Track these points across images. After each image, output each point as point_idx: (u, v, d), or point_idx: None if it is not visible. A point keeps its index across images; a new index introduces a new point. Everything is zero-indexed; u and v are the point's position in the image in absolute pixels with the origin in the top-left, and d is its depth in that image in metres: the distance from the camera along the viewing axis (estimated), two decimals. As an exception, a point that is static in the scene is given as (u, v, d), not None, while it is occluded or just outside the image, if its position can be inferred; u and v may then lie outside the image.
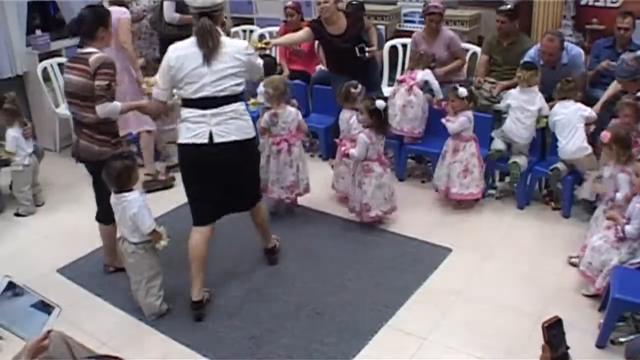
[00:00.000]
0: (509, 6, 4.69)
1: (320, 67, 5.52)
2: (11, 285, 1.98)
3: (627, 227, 2.96)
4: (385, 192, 3.95)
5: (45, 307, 1.97)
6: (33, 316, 1.94)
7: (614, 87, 4.08)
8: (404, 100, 4.52)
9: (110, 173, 3.03)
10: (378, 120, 3.79)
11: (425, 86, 4.55)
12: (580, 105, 3.95)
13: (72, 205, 4.59)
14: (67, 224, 4.29)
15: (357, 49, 4.50)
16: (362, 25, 4.68)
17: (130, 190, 3.07)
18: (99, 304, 3.36)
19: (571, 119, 3.89)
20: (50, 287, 3.49)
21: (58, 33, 5.70)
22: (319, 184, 4.71)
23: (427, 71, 4.57)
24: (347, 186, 4.15)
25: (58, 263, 3.75)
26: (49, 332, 1.90)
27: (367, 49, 4.56)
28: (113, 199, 3.12)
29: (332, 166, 4.62)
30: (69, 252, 3.85)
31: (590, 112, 3.93)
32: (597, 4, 5.16)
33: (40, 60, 5.39)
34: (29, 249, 4.00)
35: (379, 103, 3.75)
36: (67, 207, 4.57)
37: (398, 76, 5.44)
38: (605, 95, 4.13)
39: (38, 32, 5.53)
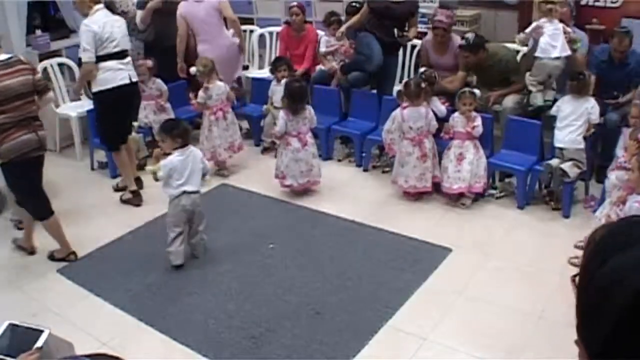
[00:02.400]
0: (469, 40, 4.48)
1: (321, 67, 5.52)
2: (11, 327, 2.03)
3: None
4: (302, 167, 4.38)
5: (35, 332, 2.00)
6: (23, 341, 1.98)
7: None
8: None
9: (185, 129, 3.65)
10: (288, 102, 4.34)
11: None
12: (593, 103, 3.95)
13: (71, 205, 4.58)
14: (67, 223, 4.28)
15: (396, 30, 4.91)
16: (414, 10, 4.97)
17: (188, 143, 3.61)
18: (99, 304, 3.36)
19: (576, 112, 3.94)
20: (50, 287, 3.52)
21: (58, 33, 5.71)
22: (319, 184, 4.72)
23: (434, 99, 4.40)
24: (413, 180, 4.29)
25: (58, 263, 3.75)
26: (38, 348, 1.92)
27: (405, 33, 4.92)
28: (181, 156, 3.53)
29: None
30: (69, 252, 3.85)
31: (596, 117, 3.94)
32: (597, 4, 5.14)
33: (40, 60, 5.38)
34: (29, 249, 4.00)
35: (284, 82, 4.49)
36: (67, 206, 4.56)
37: (398, 77, 5.44)
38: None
39: (38, 32, 5.52)
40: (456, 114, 4.24)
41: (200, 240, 3.74)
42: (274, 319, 3.15)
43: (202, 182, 3.71)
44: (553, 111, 4.10)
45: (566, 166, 3.90)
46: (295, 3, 5.59)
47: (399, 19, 4.92)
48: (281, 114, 4.40)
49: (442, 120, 4.35)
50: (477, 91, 4.25)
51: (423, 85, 4.24)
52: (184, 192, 3.54)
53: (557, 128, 4.02)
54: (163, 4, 5.20)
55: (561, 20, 4.36)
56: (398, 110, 4.35)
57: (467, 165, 4.15)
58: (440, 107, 4.42)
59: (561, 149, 3.99)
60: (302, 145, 4.36)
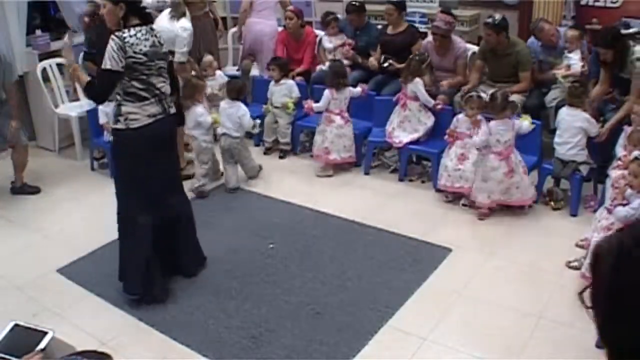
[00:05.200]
0: (495, 19, 4.56)
1: (321, 67, 5.52)
2: (15, 327, 2.04)
3: (620, 207, 2.98)
4: (345, 142, 4.75)
5: (39, 334, 2.01)
6: (27, 342, 2.00)
7: (624, 109, 3.98)
8: (401, 117, 4.62)
9: (235, 86, 4.70)
10: (333, 79, 4.76)
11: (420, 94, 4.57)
12: (586, 117, 3.94)
13: (71, 205, 4.59)
14: (67, 224, 4.29)
15: (383, 56, 5.14)
16: (413, 42, 5.05)
17: (238, 99, 4.63)
18: (99, 304, 3.36)
19: (573, 126, 3.95)
20: (50, 287, 3.52)
21: (58, 33, 5.70)
22: (319, 184, 4.72)
23: (416, 81, 4.53)
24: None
25: (58, 263, 3.75)
26: (41, 350, 1.93)
27: (390, 62, 5.05)
28: (225, 104, 4.63)
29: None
30: (69, 252, 3.85)
31: (594, 130, 3.94)
32: (597, 4, 5.15)
33: (40, 60, 5.39)
34: (29, 249, 4.00)
35: (328, 64, 4.94)
36: (67, 206, 4.57)
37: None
38: (614, 119, 4.03)
39: (38, 32, 5.52)
40: (461, 115, 4.25)
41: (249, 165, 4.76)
42: (274, 319, 3.15)
43: (240, 134, 4.63)
44: (556, 123, 4.10)
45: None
46: (290, 7, 5.60)
47: (398, 49, 5.05)
48: (326, 92, 4.75)
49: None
50: (484, 95, 4.24)
51: (511, 98, 4.11)
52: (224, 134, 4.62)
53: (556, 143, 4.05)
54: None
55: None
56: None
57: (470, 166, 4.14)
58: (423, 91, 4.51)
59: (564, 160, 4.01)
60: (344, 122, 4.73)
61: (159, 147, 3.24)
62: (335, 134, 4.71)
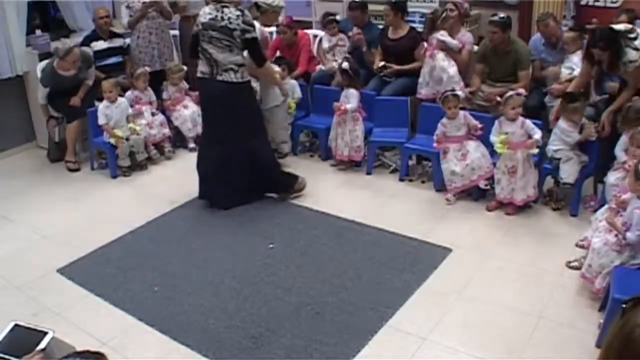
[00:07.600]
0: (501, 16, 4.60)
1: (321, 67, 5.52)
2: (15, 327, 2.06)
3: (628, 234, 2.94)
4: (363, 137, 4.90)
5: (39, 334, 2.02)
6: (27, 342, 2.01)
7: (619, 101, 3.91)
8: (428, 67, 4.81)
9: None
10: (349, 79, 4.78)
11: (445, 45, 4.77)
12: (565, 128, 3.91)
13: (71, 205, 4.59)
14: (67, 224, 4.30)
15: (382, 63, 5.14)
16: (414, 46, 5.06)
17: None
18: (99, 304, 3.36)
19: (556, 132, 3.99)
20: (50, 287, 3.52)
21: (58, 33, 5.70)
22: (319, 184, 4.72)
23: (441, 32, 4.73)
24: None
25: (58, 263, 3.75)
26: (42, 350, 1.93)
27: (387, 64, 5.12)
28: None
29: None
30: (69, 252, 3.85)
31: (575, 135, 3.90)
32: (597, 4, 5.17)
33: (40, 60, 5.38)
34: (29, 249, 4.00)
35: (344, 64, 4.83)
36: (67, 206, 4.57)
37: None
38: (614, 105, 3.96)
39: (38, 32, 5.53)
40: (444, 119, 4.26)
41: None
42: (274, 319, 3.15)
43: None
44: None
45: (562, 171, 3.95)
46: (281, 20, 5.57)
47: (399, 53, 5.10)
48: (353, 91, 4.78)
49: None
50: (460, 93, 4.32)
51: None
52: None
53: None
54: None
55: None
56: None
57: (474, 154, 4.19)
58: (448, 38, 4.73)
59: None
60: (362, 118, 4.86)
61: (208, 101, 4.18)
62: (361, 131, 4.83)
